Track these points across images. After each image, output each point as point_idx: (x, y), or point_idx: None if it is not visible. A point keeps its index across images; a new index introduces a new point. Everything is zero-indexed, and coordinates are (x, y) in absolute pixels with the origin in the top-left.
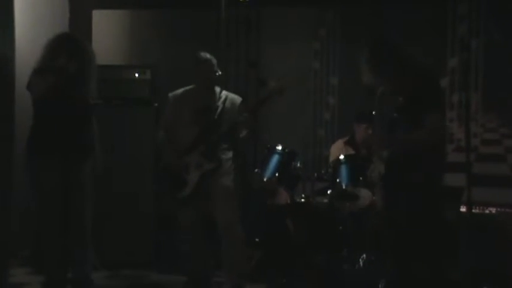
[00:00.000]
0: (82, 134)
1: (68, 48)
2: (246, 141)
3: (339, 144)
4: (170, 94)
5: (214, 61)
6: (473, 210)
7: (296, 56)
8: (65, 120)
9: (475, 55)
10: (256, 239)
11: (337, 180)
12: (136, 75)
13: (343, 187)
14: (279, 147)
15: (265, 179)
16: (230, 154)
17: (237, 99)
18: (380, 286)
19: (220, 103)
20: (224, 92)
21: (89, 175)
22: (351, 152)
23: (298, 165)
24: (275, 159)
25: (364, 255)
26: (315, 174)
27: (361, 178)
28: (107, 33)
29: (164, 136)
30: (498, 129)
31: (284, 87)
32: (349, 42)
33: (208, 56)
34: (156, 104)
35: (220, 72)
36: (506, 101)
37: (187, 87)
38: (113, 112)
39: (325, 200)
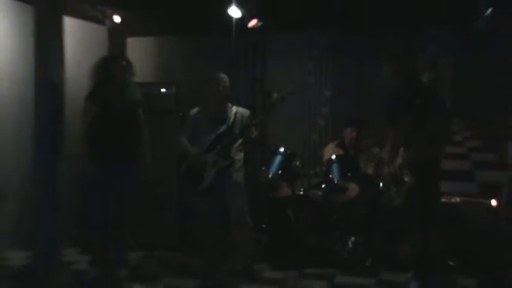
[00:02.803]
0: (129, 139)
1: (108, 69)
2: (257, 141)
3: (331, 146)
4: (191, 110)
5: (227, 79)
6: (441, 199)
7: (294, 73)
8: (114, 128)
9: (443, 70)
10: (263, 226)
11: (330, 176)
12: (163, 90)
13: (335, 182)
14: (282, 149)
15: (270, 176)
16: (241, 155)
17: (246, 111)
18: (366, 264)
19: (232, 115)
20: (235, 107)
21: (134, 176)
22: (341, 153)
23: (298, 164)
24: (278, 159)
25: (353, 238)
26: (311, 172)
27: (349, 174)
28: (139, 56)
29: (187, 141)
30: (462, 132)
31: (285, 96)
32: (338, 61)
33: (222, 75)
34: (180, 114)
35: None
36: (468, 109)
37: (204, 103)
38: (144, 121)
39: (320, 193)
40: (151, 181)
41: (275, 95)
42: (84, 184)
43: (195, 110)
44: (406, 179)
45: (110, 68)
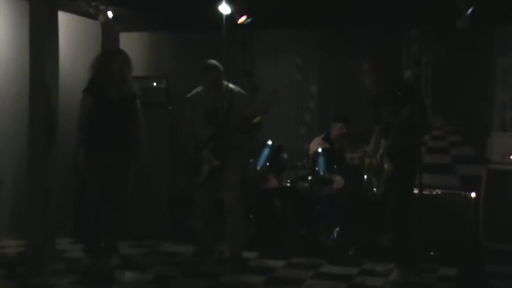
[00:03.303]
0: (126, 132)
1: (107, 63)
2: (260, 124)
3: (317, 140)
4: (188, 95)
5: (221, 68)
6: (423, 192)
7: (282, 69)
8: (111, 121)
9: (425, 69)
10: (251, 216)
11: (316, 168)
12: (154, 84)
13: (321, 174)
14: (269, 142)
15: (258, 168)
16: (237, 149)
17: (240, 92)
18: (350, 253)
19: (226, 102)
20: (229, 87)
21: (130, 166)
22: (327, 146)
23: (285, 156)
24: (266, 152)
25: (338, 229)
26: (298, 164)
27: (335, 167)
28: (131, 51)
29: (187, 132)
30: (443, 127)
31: (274, 100)
32: (324, 57)
33: (215, 63)
34: (170, 107)
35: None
36: (449, 105)
37: (199, 89)
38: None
39: (306, 185)
40: (144, 172)
41: (267, 97)
42: (79, 175)
43: (191, 98)
44: (385, 166)
45: (108, 62)
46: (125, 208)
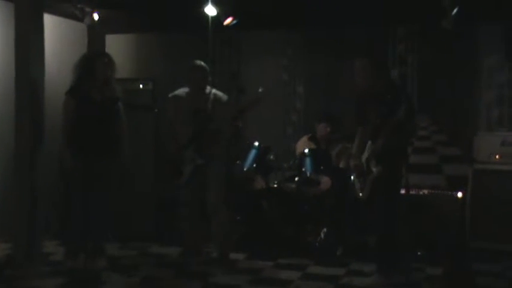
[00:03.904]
0: (109, 133)
1: (90, 66)
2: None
3: (303, 140)
4: (170, 94)
5: (207, 68)
6: (410, 192)
7: (269, 70)
8: (94, 123)
9: (411, 68)
10: (238, 217)
11: (303, 169)
12: (141, 86)
13: (308, 175)
14: (256, 143)
15: (245, 169)
16: (220, 148)
17: (223, 97)
18: (337, 253)
19: (209, 104)
20: (213, 92)
21: (113, 168)
22: (313, 146)
23: (272, 157)
24: (253, 153)
25: (325, 229)
26: (285, 165)
27: (321, 167)
28: (118, 52)
29: (168, 131)
30: (429, 127)
31: (259, 101)
32: (311, 58)
33: (202, 63)
34: (156, 110)
35: (210, 78)
36: (435, 105)
37: (184, 89)
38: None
39: (293, 185)
40: (129, 174)
41: (250, 98)
42: (65, 177)
43: (174, 96)
44: (373, 169)
45: (92, 65)
46: (110, 209)
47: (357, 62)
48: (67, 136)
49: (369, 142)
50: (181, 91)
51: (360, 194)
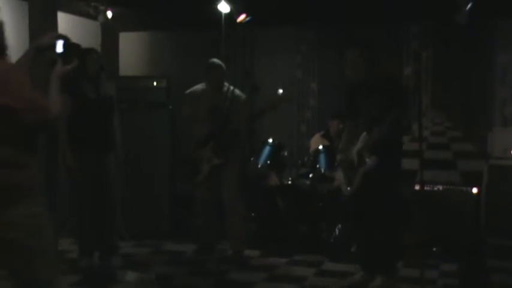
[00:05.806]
0: (105, 131)
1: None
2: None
3: (317, 137)
4: (187, 91)
5: (224, 67)
6: (425, 188)
7: (283, 67)
8: (90, 122)
9: (425, 65)
10: (253, 214)
11: (317, 166)
12: (155, 83)
13: (322, 171)
14: (270, 140)
15: (259, 166)
16: (237, 148)
17: (241, 96)
18: (352, 250)
19: (227, 102)
20: (231, 89)
21: (112, 163)
22: (327, 143)
23: (286, 154)
24: (267, 149)
25: (340, 226)
26: (299, 161)
27: (336, 164)
28: (131, 50)
29: (184, 128)
30: (443, 123)
31: (280, 102)
32: (324, 55)
33: (219, 62)
34: (170, 107)
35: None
36: (449, 101)
37: (201, 86)
38: (137, 113)
39: (307, 182)
40: (144, 171)
41: (268, 101)
42: (69, 176)
43: (191, 93)
44: (367, 159)
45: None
46: (114, 206)
47: (347, 54)
48: (65, 134)
49: (364, 133)
50: (197, 88)
51: (348, 188)
